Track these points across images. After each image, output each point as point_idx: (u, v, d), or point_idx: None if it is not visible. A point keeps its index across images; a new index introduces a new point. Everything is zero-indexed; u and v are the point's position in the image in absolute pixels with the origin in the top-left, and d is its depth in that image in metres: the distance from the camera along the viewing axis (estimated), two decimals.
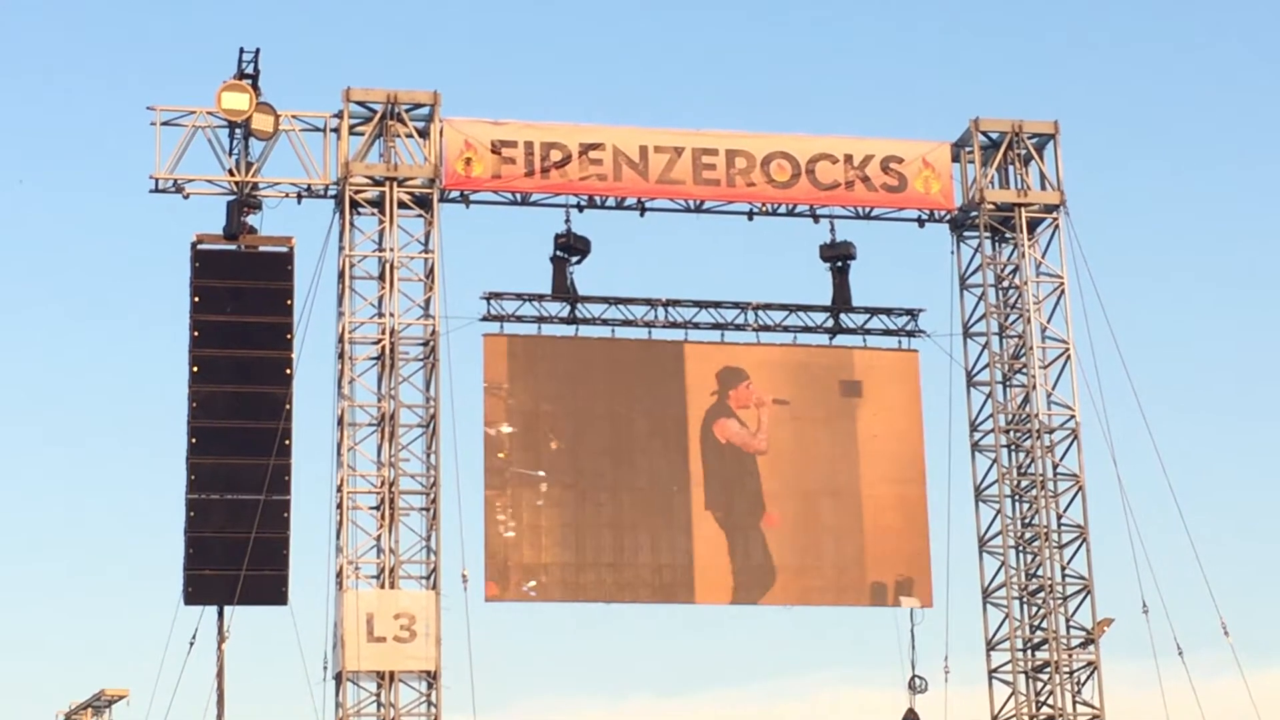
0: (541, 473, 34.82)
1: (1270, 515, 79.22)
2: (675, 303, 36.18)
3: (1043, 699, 35.38)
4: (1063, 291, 36.56)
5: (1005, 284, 37.14)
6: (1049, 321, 36.63)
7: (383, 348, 33.87)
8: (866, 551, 35.94)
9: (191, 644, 32.74)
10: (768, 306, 36.47)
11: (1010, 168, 37.08)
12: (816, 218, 36.41)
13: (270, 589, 32.83)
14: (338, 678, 32.45)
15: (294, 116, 34.48)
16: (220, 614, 32.83)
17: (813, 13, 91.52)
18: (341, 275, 34.12)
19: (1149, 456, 35.48)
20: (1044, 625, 35.50)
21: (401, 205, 34.38)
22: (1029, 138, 37.01)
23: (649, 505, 35.22)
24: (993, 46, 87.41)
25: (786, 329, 36.51)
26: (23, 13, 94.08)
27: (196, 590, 32.72)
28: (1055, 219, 36.86)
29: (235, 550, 32.27)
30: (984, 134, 36.91)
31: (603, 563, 34.80)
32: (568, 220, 35.43)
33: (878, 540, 36.01)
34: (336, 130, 34.54)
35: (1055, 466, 36.03)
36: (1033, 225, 36.91)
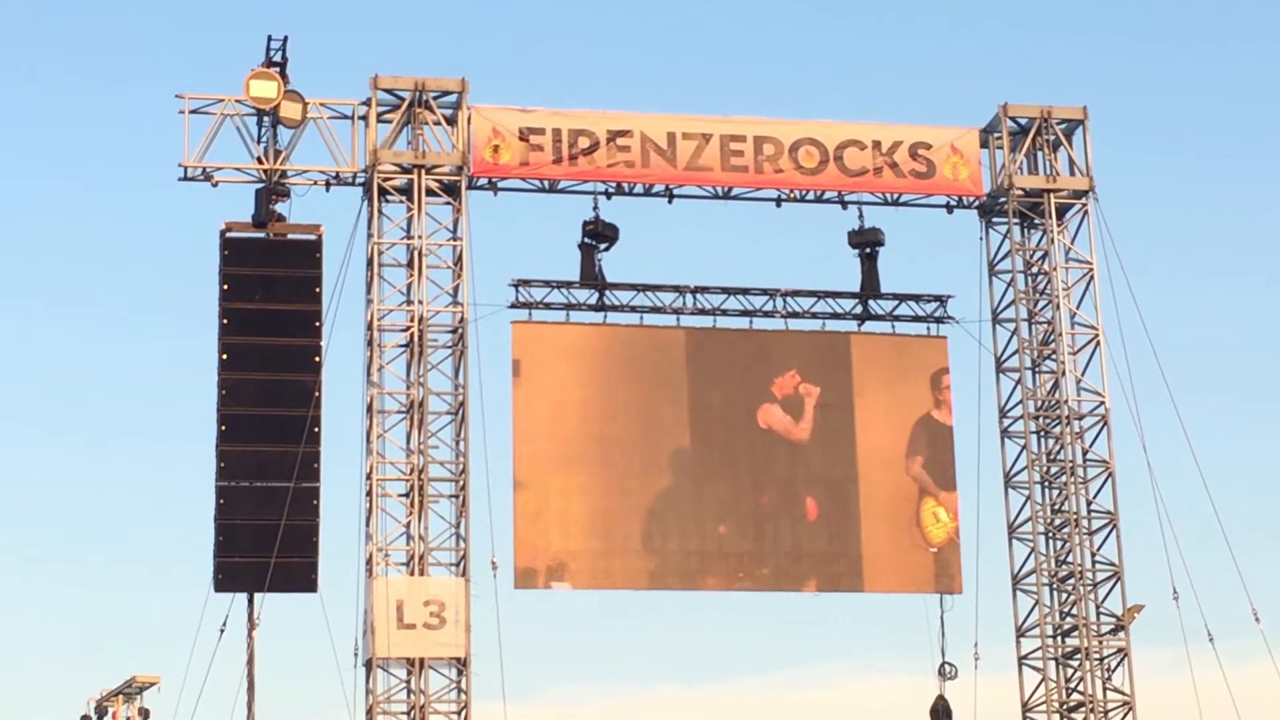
0: (571, 460, 34.76)
1: None
2: (703, 289, 36.07)
3: (1073, 685, 35.32)
4: (1092, 277, 36.41)
5: (1034, 270, 36.98)
6: (1078, 308, 36.47)
7: (411, 335, 33.86)
8: (904, 539, 35.89)
9: (222, 631, 32.85)
10: (796, 293, 36.38)
11: (1039, 153, 36.92)
12: (845, 204, 36.28)
13: (300, 576, 32.93)
14: (368, 664, 32.50)
15: (322, 104, 34.49)
16: (250, 601, 32.97)
17: (842, 4, 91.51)
18: (370, 263, 34.13)
19: (1179, 443, 35.57)
20: (1074, 612, 35.36)
21: (430, 193, 34.33)
22: (1058, 123, 36.84)
23: (679, 493, 35.13)
24: (1021, 32, 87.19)
25: (815, 315, 36.45)
26: (52, 2, 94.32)
27: (226, 577, 32.83)
28: (1084, 205, 36.68)
29: (265, 537, 32.31)
30: (1012, 120, 36.72)
31: (632, 550, 34.80)
32: (596, 207, 35.42)
33: (913, 527, 35.94)
34: (364, 118, 34.53)
35: (1085, 453, 35.90)
36: (1062, 211, 36.72)
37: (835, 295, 36.48)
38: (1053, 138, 36.82)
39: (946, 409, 36.50)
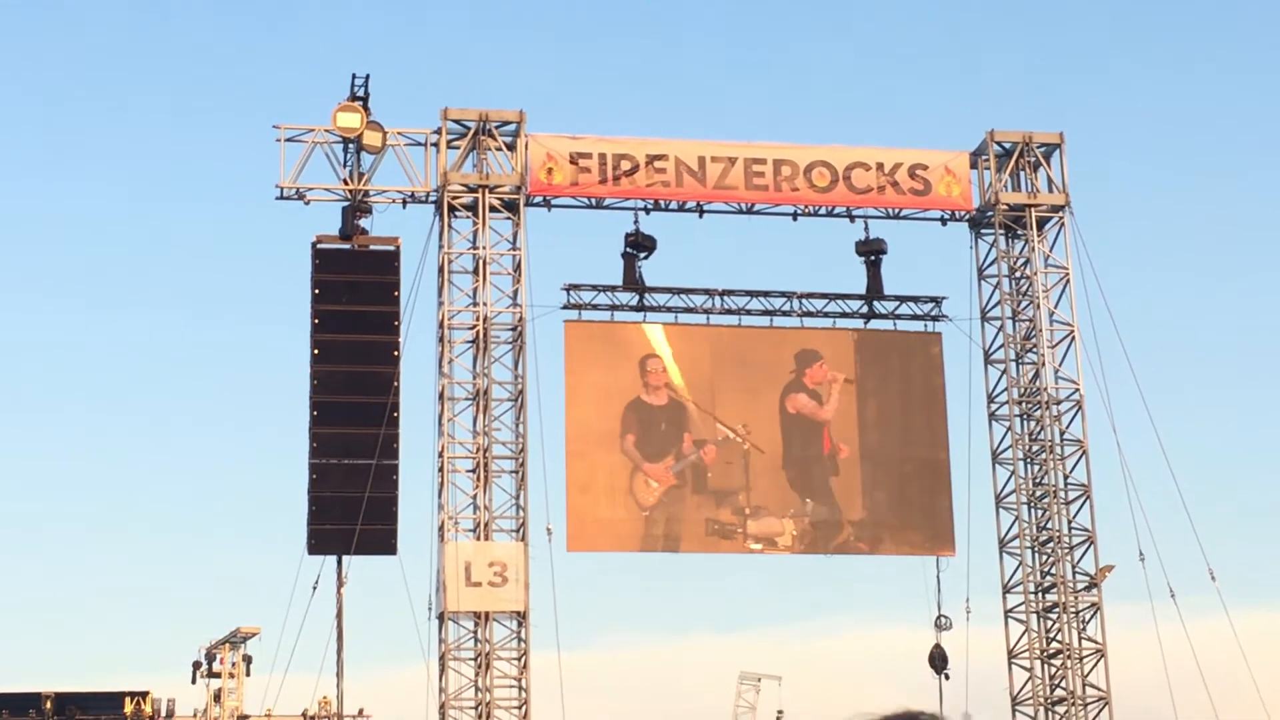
0: (615, 440, 34.61)
1: (1254, 474, 78.90)
2: (729, 292, 35.86)
3: (1052, 635, 35.23)
4: (1068, 281, 36.20)
5: (1017, 275, 36.79)
6: (1056, 307, 36.30)
7: (477, 332, 33.88)
8: (904, 508, 35.76)
9: (315, 588, 33.09)
10: (810, 295, 36.19)
11: (1022, 173, 36.75)
12: (852, 218, 36.07)
13: (381, 541, 33.10)
14: (440, 617, 32.60)
15: (399, 133, 34.51)
16: (339, 562, 33.19)
17: (849, 41, 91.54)
18: (441, 270, 34.11)
19: (1145, 424, 35.73)
20: (1053, 571, 35.30)
21: (492, 209, 34.32)
22: (1038, 147, 36.62)
23: (709, 468, 34.95)
24: (1006, 68, 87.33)
25: (826, 314, 36.23)
26: (162, 43, 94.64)
27: (318, 542, 33.09)
28: (1061, 218, 36.46)
29: (351, 507, 32.47)
30: (998, 144, 36.51)
31: (669, 517, 34.71)
32: (636, 221, 35.24)
33: (912, 497, 35.79)
34: (436, 144, 34.49)
35: (1062, 433, 35.77)
36: (1041, 223, 36.55)
37: (844, 297, 36.26)
38: (1033, 159, 36.64)
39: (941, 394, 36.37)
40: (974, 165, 36.50)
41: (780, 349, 35.82)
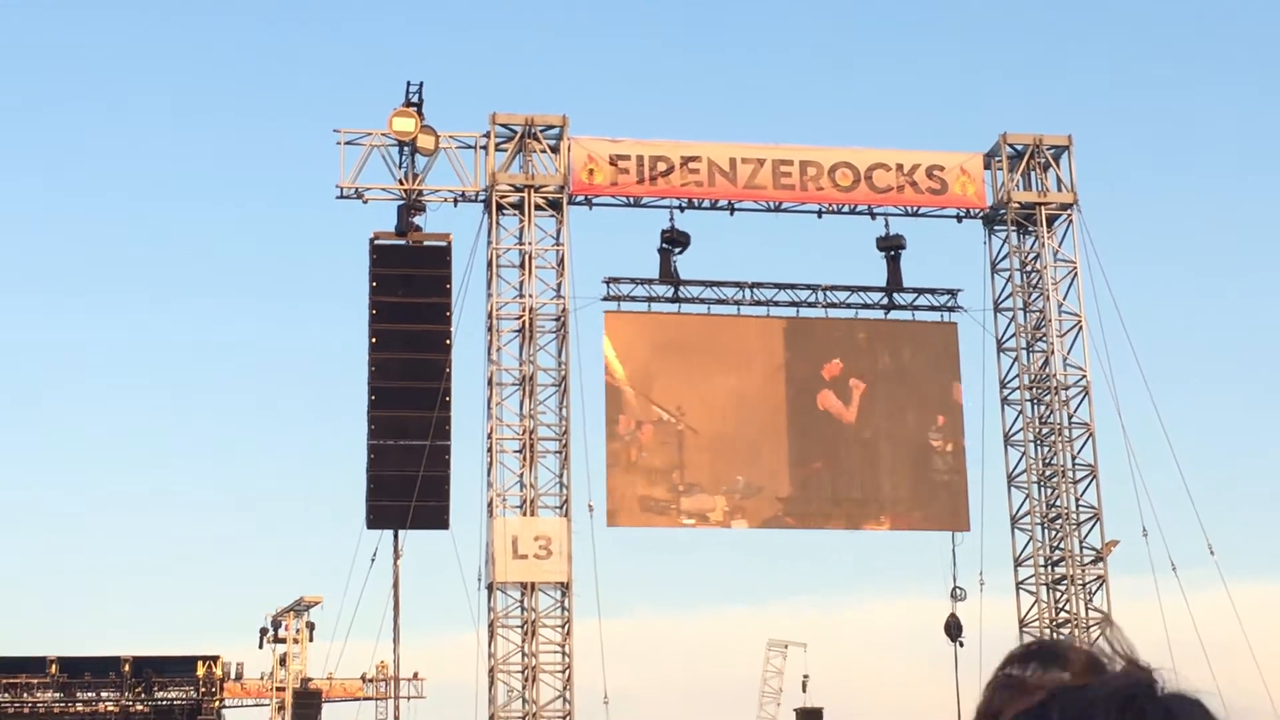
0: (651, 423, 34.53)
1: (1252, 455, 78.61)
2: (759, 285, 35.81)
3: (1060, 606, 35.13)
4: (1076, 275, 36.07)
5: (1028, 268, 36.64)
6: (1064, 299, 36.14)
7: (523, 322, 33.80)
8: (922, 487, 35.58)
9: (373, 560, 33.08)
10: (834, 288, 36.08)
11: (1032, 174, 36.56)
12: (873, 215, 35.94)
13: (435, 516, 32.92)
14: (489, 587, 32.49)
15: (451, 136, 34.41)
16: (396, 536, 33.09)
17: (871, 50, 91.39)
18: (490, 264, 34.04)
19: (1148, 408, 35.47)
20: (1061, 546, 35.19)
21: (538, 208, 34.22)
22: (1048, 149, 36.45)
23: (742, 451, 34.79)
24: (1018, 75, 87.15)
25: (849, 306, 36.12)
26: (231, 55, 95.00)
27: (376, 517, 32.90)
28: (1069, 215, 36.31)
29: (407, 485, 32.27)
30: (1011, 146, 36.34)
31: (703, 495, 34.48)
32: (671, 218, 35.15)
33: (929, 477, 35.59)
34: (485, 147, 34.37)
35: (1070, 417, 35.62)
36: (1051, 220, 36.36)
37: (866, 289, 36.15)
38: (1043, 160, 36.45)
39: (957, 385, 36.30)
40: (987, 166, 36.37)
41: (800, 336, 35.66)
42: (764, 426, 34.94)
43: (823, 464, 35.14)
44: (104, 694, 49.53)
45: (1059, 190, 36.44)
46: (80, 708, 49.87)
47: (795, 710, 49.57)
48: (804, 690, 51.37)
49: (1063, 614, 34.96)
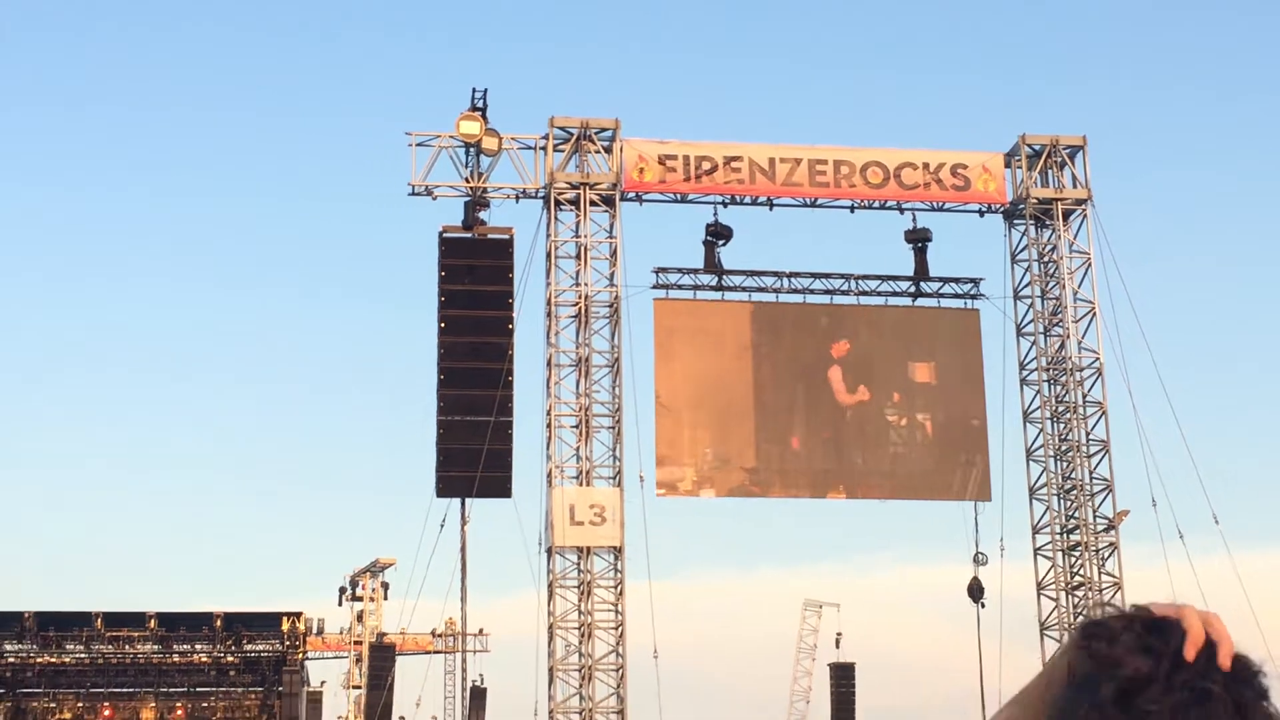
0: (697, 400, 34.38)
1: (1255, 431, 78.07)
2: (796, 274, 35.54)
3: (1075, 570, 34.87)
4: (1089, 265, 35.72)
5: (1045, 259, 36.29)
6: (1079, 287, 35.79)
7: (579, 309, 33.75)
8: (946, 460, 35.30)
9: (442, 526, 33.07)
10: (865, 277, 35.82)
11: (1049, 171, 36.20)
12: (902, 210, 35.64)
13: (499, 486, 32.92)
14: (548, 551, 32.53)
15: (512, 138, 34.32)
16: (463, 504, 33.09)
17: (899, 59, 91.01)
18: (548, 255, 33.99)
19: (1157, 387, 35.51)
20: (1076, 515, 34.93)
21: (592, 204, 34.13)
22: (1064, 149, 36.07)
23: (777, 425, 34.64)
24: (1037, 80, 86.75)
25: (879, 294, 35.91)
26: (310, 64, 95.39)
27: (446, 486, 32.93)
28: (1084, 210, 35.95)
29: (473, 457, 32.31)
30: (1029, 146, 35.98)
31: (743, 467, 34.40)
32: (715, 213, 34.98)
33: (953, 452, 35.30)
34: (544, 148, 34.31)
35: (1084, 396, 35.32)
36: (1067, 215, 36.01)
37: (894, 278, 35.88)
38: (1060, 159, 36.09)
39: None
40: (1008, 164, 36.04)
41: (830, 322, 35.42)
42: (796, 405, 34.68)
43: (846, 439, 34.86)
44: (198, 646, 49.90)
45: (1074, 187, 36.03)
46: (177, 659, 50.22)
47: (829, 665, 49.49)
48: (837, 646, 51.30)
49: (1077, 578, 34.73)
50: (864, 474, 34.88)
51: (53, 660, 49.62)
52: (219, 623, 48.79)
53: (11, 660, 49.52)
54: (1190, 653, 1.56)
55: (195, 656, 50.29)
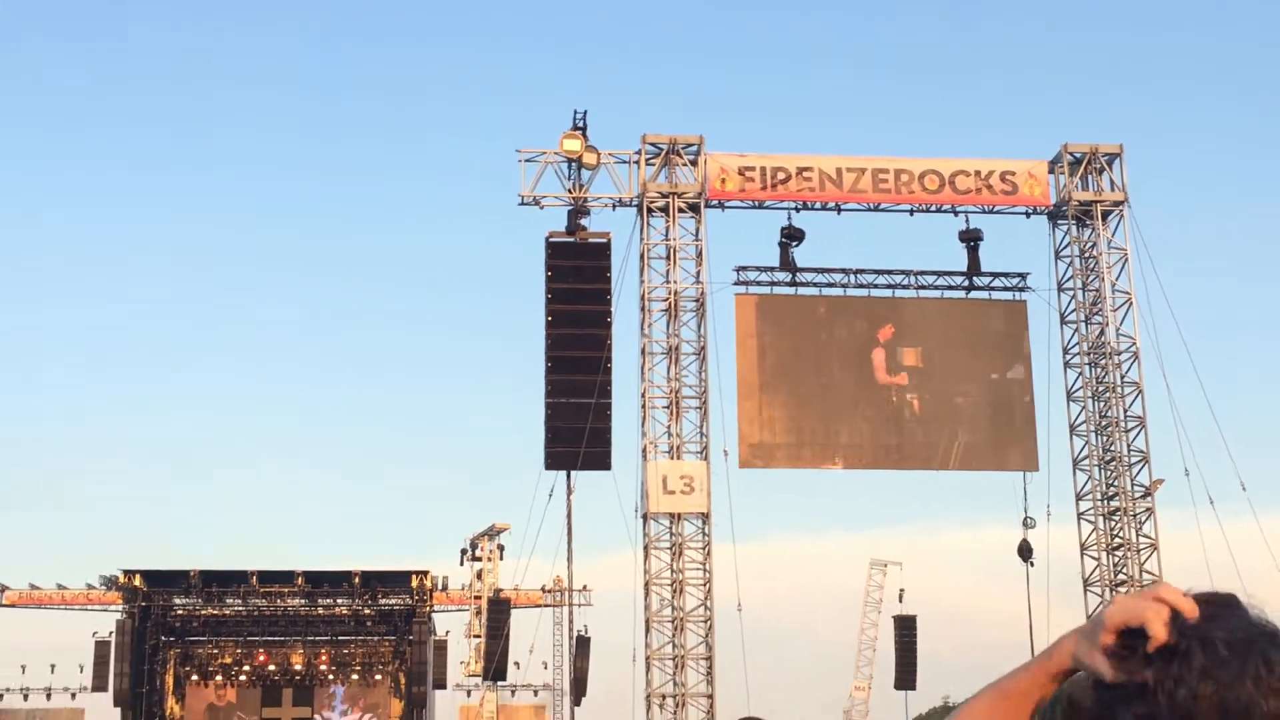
0: (774, 384, 34.15)
1: (1277, 407, 76.81)
2: (861, 271, 35.31)
3: (1115, 533, 34.35)
4: (1126, 260, 35.10)
5: (1086, 255, 35.69)
6: (1117, 280, 35.18)
7: (669, 304, 33.69)
8: (998, 434, 34.91)
9: (550, 495, 33.17)
10: (923, 273, 35.49)
11: (1089, 176, 35.56)
12: (956, 213, 35.23)
13: (600, 459, 33.06)
14: (644, 517, 32.54)
15: (609, 154, 34.33)
16: (568, 476, 33.18)
17: (957, 78, 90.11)
18: (641, 257, 34.00)
19: (1188, 368, 34.86)
20: (1115, 484, 34.41)
21: (680, 211, 34.07)
22: (1103, 156, 35.46)
23: (843, 406, 34.35)
24: (1078, 94, 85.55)
25: (936, 288, 35.56)
26: (436, 88, 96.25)
27: (553, 460, 33.08)
28: (1121, 211, 35.31)
29: (577, 435, 32.47)
30: (1071, 154, 35.43)
31: (815, 442, 34.19)
32: (789, 218, 34.76)
33: (1005, 426, 34.92)
34: (637, 162, 34.31)
35: (1123, 377, 34.76)
36: (1105, 215, 35.39)
37: (950, 273, 35.51)
38: (1099, 166, 35.49)
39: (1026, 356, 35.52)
40: (1051, 171, 35.51)
41: (881, 315, 35.05)
42: (862, 387, 34.41)
43: (906, 418, 34.56)
44: (339, 600, 50.34)
45: (1112, 190, 35.43)
46: (321, 611, 50.72)
47: (893, 617, 48.94)
48: (900, 601, 50.71)
49: (1116, 539, 34.23)
50: (923, 448, 34.50)
51: (215, 612, 50.31)
52: (357, 580, 49.14)
53: (180, 612, 50.33)
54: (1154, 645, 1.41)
55: (337, 609, 50.75)
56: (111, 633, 47.55)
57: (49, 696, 51.86)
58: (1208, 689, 1.37)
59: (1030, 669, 1.54)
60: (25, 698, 52.03)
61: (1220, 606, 1.48)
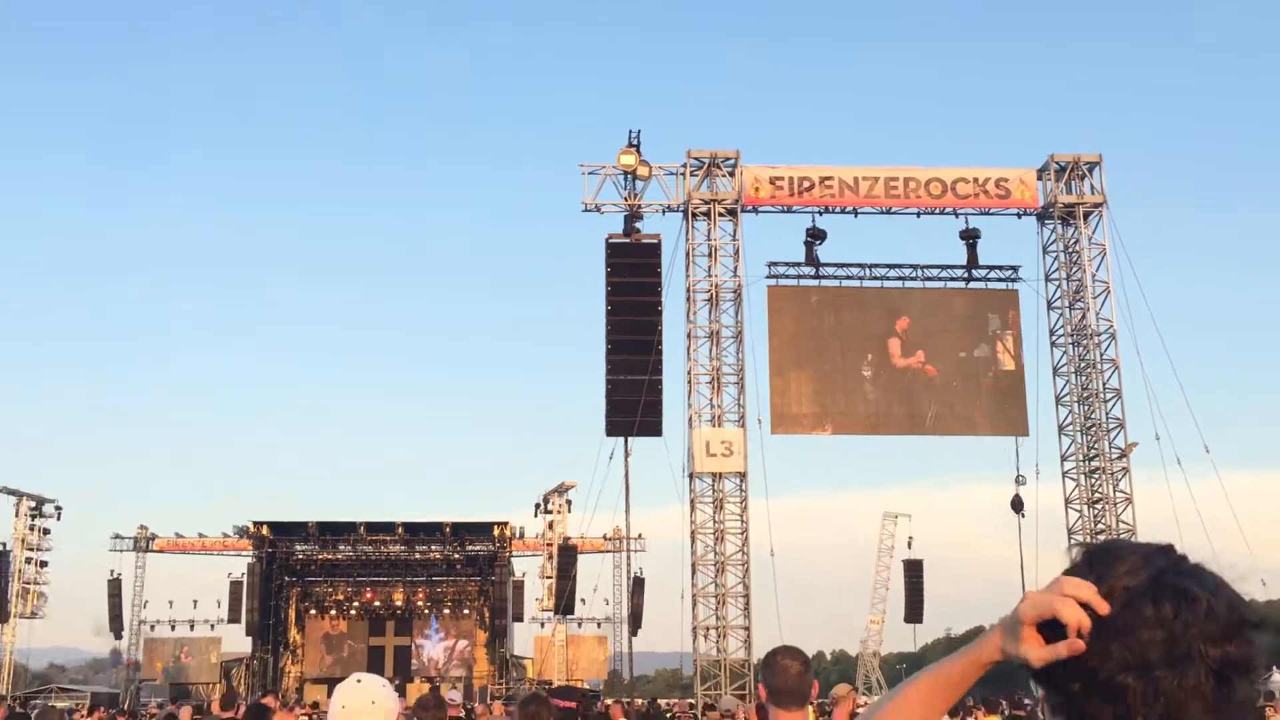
0: (801, 362, 34.67)
1: (1240, 377, 76.96)
2: (875, 265, 35.92)
3: (1095, 489, 35.06)
4: (1105, 254, 35.75)
5: (1070, 250, 36.38)
6: (1096, 271, 35.81)
7: (711, 295, 34.11)
8: (993, 404, 35.34)
9: (610, 458, 33.89)
10: (928, 266, 36.09)
11: (1073, 182, 36.25)
12: (956, 215, 35.79)
13: (653, 427, 33.47)
14: (690, 476, 33.09)
15: (659, 167, 34.86)
16: (625, 441, 33.67)
17: (954, 98, 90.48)
18: (687, 255, 34.56)
19: (1159, 347, 35.66)
20: (1095, 447, 35.11)
21: (720, 215, 34.58)
22: (1084, 164, 36.16)
23: (861, 380, 34.95)
24: (1063, 111, 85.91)
25: (939, 279, 36.15)
26: (507, 113, 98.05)
27: (613, 428, 33.55)
28: (1101, 212, 35.96)
29: (633, 406, 32.98)
30: (1056, 163, 36.08)
31: (837, 411, 34.64)
32: (813, 220, 35.27)
33: (999, 398, 35.44)
34: (682, 174, 34.81)
35: (1101, 355, 35.47)
36: (1087, 216, 36.07)
37: (951, 267, 36.15)
38: (1081, 173, 36.16)
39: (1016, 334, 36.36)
40: (1039, 177, 36.26)
41: (893, 304, 35.67)
42: (875, 365, 34.92)
43: (914, 390, 35.17)
44: (432, 547, 52.10)
45: (1092, 194, 36.16)
46: (417, 556, 52.64)
47: (903, 561, 50.14)
48: (909, 548, 51.99)
49: (1096, 494, 35.04)
50: (929, 416, 35.14)
51: (329, 557, 52.33)
52: (448, 530, 50.26)
53: (300, 557, 52.62)
54: (1077, 636, 1.33)
55: (431, 554, 52.26)
56: (244, 574, 50.05)
57: (192, 627, 54.16)
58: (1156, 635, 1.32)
59: (961, 659, 1.46)
60: (173, 628, 54.54)
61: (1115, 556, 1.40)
